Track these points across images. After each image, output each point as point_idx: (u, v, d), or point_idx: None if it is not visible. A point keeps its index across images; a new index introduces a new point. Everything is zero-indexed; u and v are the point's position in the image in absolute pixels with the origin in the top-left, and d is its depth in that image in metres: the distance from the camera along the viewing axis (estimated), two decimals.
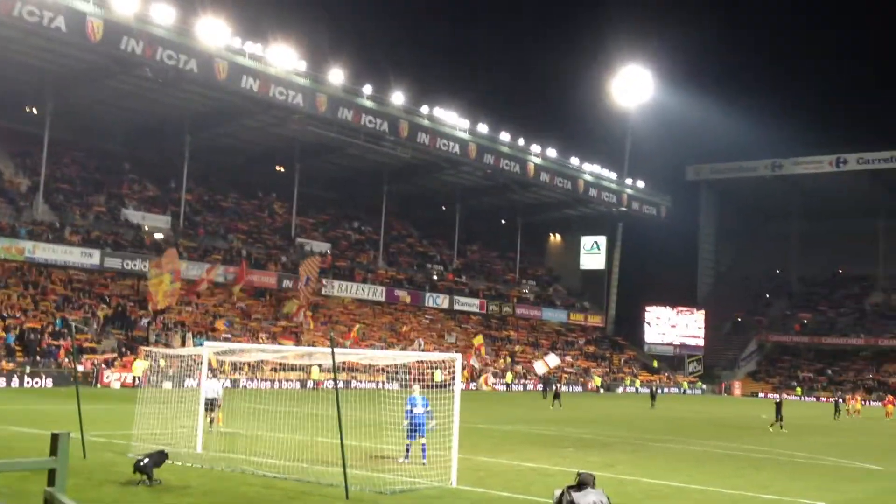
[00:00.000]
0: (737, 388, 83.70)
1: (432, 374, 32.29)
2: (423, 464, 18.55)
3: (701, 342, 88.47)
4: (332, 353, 16.08)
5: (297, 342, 52.29)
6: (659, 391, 60.79)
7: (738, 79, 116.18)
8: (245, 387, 42.93)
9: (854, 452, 28.45)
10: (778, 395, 42.84)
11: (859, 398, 58.71)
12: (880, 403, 55.63)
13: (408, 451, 19.55)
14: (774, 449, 28.24)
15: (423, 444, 19.28)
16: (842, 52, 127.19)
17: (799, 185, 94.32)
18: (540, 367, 62.62)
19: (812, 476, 21.81)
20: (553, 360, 63.29)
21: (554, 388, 50.57)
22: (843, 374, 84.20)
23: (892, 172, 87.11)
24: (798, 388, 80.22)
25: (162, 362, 29.50)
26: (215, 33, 51.53)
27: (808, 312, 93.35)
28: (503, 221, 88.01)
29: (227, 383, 36.80)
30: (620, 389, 73.61)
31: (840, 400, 52.73)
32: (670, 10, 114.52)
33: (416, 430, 19.31)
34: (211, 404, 22.28)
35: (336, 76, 58.73)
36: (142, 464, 15.18)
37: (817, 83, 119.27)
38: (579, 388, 69.27)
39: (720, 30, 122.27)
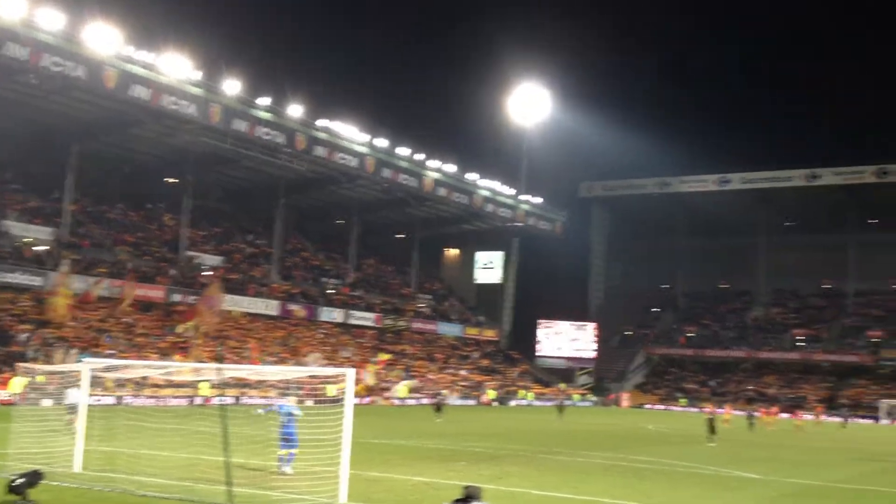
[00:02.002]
0: (625, 400, 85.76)
1: (325, 389, 32.08)
2: (285, 472, 18.94)
3: (592, 355, 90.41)
4: (219, 369, 15.80)
5: (186, 358, 50.98)
6: (565, 404, 61.77)
7: (630, 99, 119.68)
8: (129, 404, 41.60)
9: (733, 462, 29.51)
10: (710, 411, 43.59)
11: (775, 411, 59.54)
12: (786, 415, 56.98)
13: (281, 460, 19.90)
14: (658, 459, 29.04)
15: (291, 454, 19.65)
16: (728, 77, 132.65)
17: (685, 203, 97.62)
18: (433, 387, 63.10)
19: (693, 485, 22.53)
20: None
21: (438, 400, 50.97)
22: (725, 386, 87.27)
23: (772, 191, 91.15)
24: (683, 400, 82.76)
25: (41, 378, 28.36)
26: (105, 40, 50.09)
27: (693, 326, 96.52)
28: (400, 235, 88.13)
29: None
30: (513, 403, 74.44)
31: (753, 413, 53.44)
32: (567, 31, 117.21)
33: (287, 441, 19.87)
34: (72, 408, 21.99)
35: (231, 87, 57.81)
36: (15, 484, 14.56)
37: (705, 105, 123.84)
38: (473, 402, 69.74)
39: (615, 52, 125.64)
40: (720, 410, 50.04)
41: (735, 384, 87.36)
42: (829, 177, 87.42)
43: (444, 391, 62.17)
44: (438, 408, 47.84)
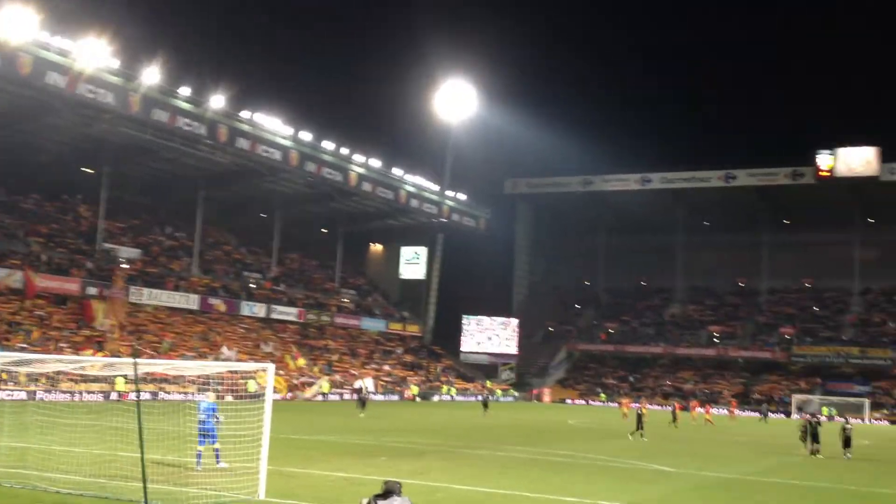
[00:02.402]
0: (546, 396, 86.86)
1: (246, 384, 31.70)
2: (223, 467, 18.56)
3: (515, 351, 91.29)
4: (135, 363, 15.52)
5: (102, 352, 49.85)
6: (490, 399, 62.09)
7: (555, 98, 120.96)
8: (42, 399, 40.45)
9: (649, 455, 30.19)
10: (638, 406, 44.06)
11: (709, 407, 58.70)
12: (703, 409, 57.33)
13: (199, 457, 19.63)
14: (576, 453, 29.55)
15: (216, 450, 19.40)
16: (652, 78, 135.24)
17: (608, 201, 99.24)
18: (358, 382, 63.22)
19: (609, 478, 22.99)
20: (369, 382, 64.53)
21: (361, 395, 50.81)
22: (643, 381, 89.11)
23: (691, 191, 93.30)
24: (603, 395, 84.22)
25: None
26: (20, 25, 48.47)
27: (613, 322, 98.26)
28: (324, 230, 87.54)
29: None
30: (436, 398, 74.74)
31: (674, 408, 51.84)
32: (494, 28, 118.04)
33: (206, 436, 19.66)
34: None
35: (152, 75, 56.53)
36: None
37: (629, 105, 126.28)
38: (396, 397, 69.76)
39: (541, 50, 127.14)
40: (634, 405, 50.69)
41: (653, 379, 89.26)
42: (745, 178, 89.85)
43: (366, 385, 61.93)
44: (363, 403, 47.79)
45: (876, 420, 72.09)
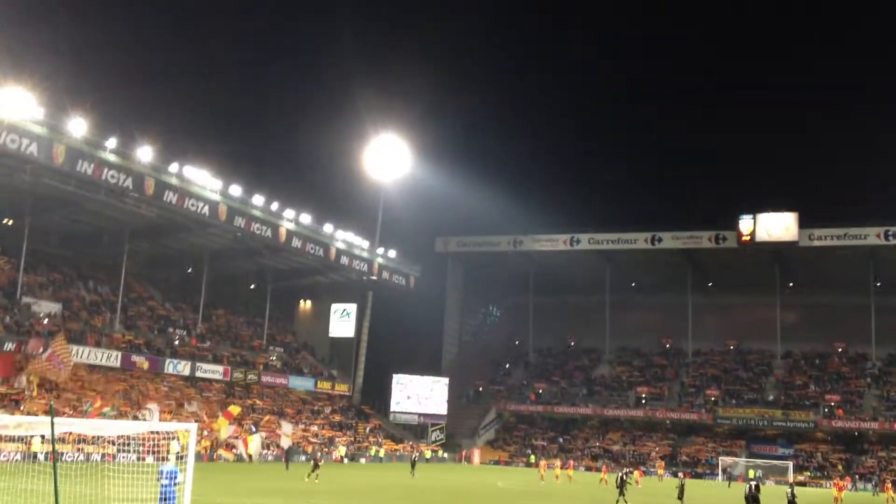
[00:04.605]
0: (476, 457, 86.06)
1: (168, 444, 30.59)
2: None
3: (444, 410, 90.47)
4: (52, 423, 14.72)
5: (18, 411, 47.73)
6: (417, 460, 60.97)
7: (487, 158, 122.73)
8: None
9: None
10: (681, 475, 42.71)
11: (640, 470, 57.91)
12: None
13: None
14: None
15: None
16: (583, 143, 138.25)
17: (537, 261, 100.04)
18: (285, 441, 61.64)
19: None
20: (287, 428, 62.67)
21: (315, 457, 48.98)
22: (573, 443, 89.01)
23: (618, 252, 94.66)
24: (532, 457, 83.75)
25: None
26: None
27: (542, 382, 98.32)
28: (252, 286, 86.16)
29: None
30: (363, 460, 73.38)
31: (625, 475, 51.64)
32: (426, 88, 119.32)
33: (166, 500, 19.30)
34: None
35: (78, 127, 55.36)
36: None
37: (559, 167, 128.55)
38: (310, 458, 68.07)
39: (473, 112, 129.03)
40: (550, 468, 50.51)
41: (582, 441, 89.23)
42: (670, 241, 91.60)
43: (318, 448, 60.34)
44: (316, 464, 45.88)
45: (801, 484, 73.06)
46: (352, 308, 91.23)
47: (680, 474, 42.61)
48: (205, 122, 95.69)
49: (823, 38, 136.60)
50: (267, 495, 33.16)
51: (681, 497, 35.01)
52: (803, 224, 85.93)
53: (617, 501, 37.48)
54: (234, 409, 62.45)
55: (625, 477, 39.28)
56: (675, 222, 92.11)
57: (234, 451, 59.61)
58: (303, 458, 62.35)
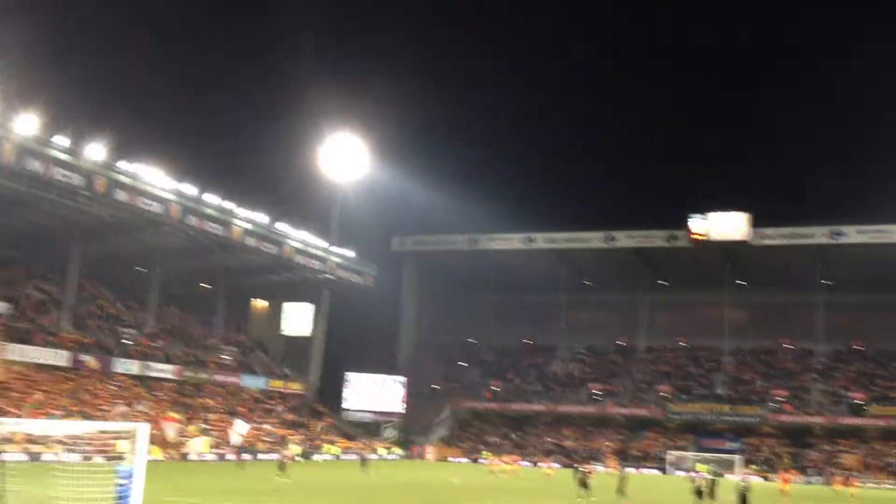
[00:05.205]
0: (429, 454, 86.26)
1: (116, 444, 30.39)
2: None
3: (399, 409, 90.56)
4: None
5: None
6: (369, 458, 61.07)
7: (444, 157, 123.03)
8: None
9: None
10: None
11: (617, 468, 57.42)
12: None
13: None
14: None
15: None
16: (534, 141, 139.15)
17: (493, 260, 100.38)
18: (235, 438, 61.20)
19: None
20: (242, 427, 62.24)
21: (282, 458, 48.76)
22: (526, 439, 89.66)
23: (573, 252, 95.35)
24: (485, 453, 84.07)
25: None
26: None
27: (497, 380, 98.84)
28: (205, 285, 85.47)
29: None
30: (317, 457, 73.22)
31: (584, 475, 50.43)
32: (383, 86, 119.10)
33: (121, 498, 19.25)
34: None
35: (27, 124, 54.58)
36: None
37: (515, 166, 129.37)
38: (276, 457, 67.89)
39: (430, 109, 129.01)
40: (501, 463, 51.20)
41: (535, 437, 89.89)
42: (624, 240, 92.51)
43: (286, 447, 60.40)
44: (281, 466, 45.71)
45: (748, 476, 74.35)
46: (307, 307, 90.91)
47: (624, 469, 43.10)
48: (158, 121, 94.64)
49: (771, 41, 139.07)
50: (215, 495, 33.11)
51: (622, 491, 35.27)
52: (756, 223, 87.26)
53: (580, 496, 37.22)
54: (175, 416, 62.11)
55: (584, 476, 38.64)
56: (630, 222, 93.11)
57: (182, 450, 59.14)
58: (253, 456, 62.03)
